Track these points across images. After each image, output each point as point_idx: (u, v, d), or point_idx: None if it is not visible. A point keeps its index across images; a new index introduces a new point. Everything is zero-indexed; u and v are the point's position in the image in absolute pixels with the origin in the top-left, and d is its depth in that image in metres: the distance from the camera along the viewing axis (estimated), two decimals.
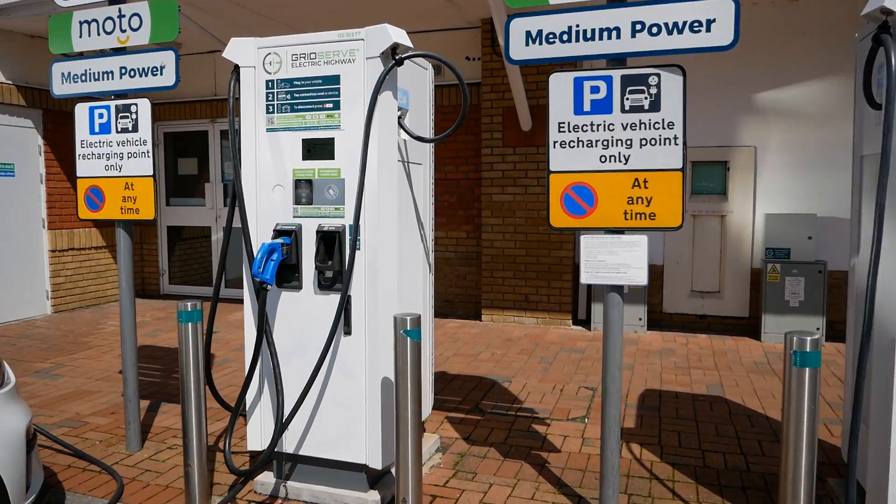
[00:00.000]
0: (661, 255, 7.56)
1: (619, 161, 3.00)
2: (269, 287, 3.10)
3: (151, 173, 3.71)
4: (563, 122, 3.02)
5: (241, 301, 9.62)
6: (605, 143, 3.00)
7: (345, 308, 3.14)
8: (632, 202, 3.00)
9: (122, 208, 3.77)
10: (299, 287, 3.28)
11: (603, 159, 3.01)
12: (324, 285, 3.24)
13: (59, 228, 8.41)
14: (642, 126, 2.96)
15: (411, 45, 3.19)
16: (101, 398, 5.15)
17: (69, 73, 3.85)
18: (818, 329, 6.92)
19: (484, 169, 7.76)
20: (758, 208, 7.31)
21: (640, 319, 7.37)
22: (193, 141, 9.67)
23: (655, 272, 7.56)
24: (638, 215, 3.01)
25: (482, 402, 5.07)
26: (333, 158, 3.19)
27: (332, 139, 3.18)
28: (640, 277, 3.06)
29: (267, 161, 3.29)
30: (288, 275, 3.27)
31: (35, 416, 4.70)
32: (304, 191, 3.24)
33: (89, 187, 3.84)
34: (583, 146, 3.02)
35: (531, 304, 7.75)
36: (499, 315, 7.88)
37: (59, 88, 3.90)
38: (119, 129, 3.75)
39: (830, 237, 6.98)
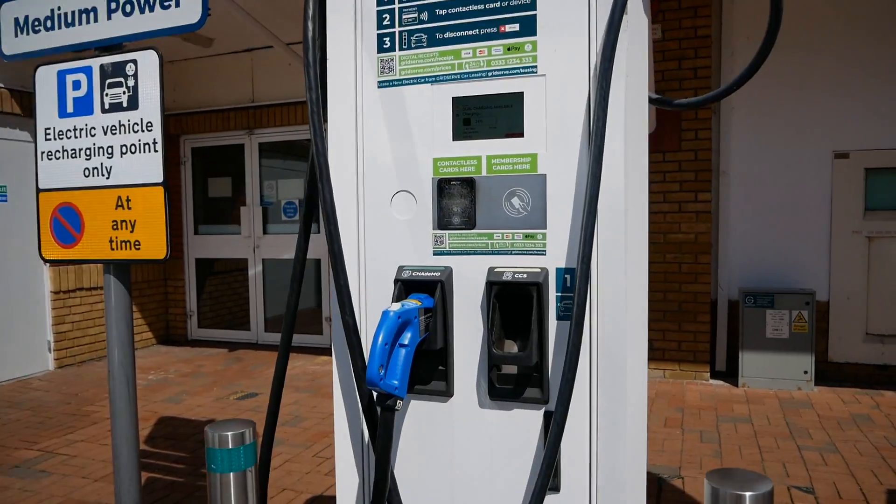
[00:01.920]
0: (826, 288, 5.81)
1: None
2: (398, 405, 1.47)
3: (161, 180, 2.13)
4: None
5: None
6: None
7: (556, 439, 1.49)
8: None
9: (112, 241, 2.18)
10: (447, 393, 1.64)
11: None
12: (500, 391, 1.60)
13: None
14: None
15: None
16: None
17: (26, 20, 2.31)
18: None
19: None
20: None
21: (806, 373, 5.61)
22: (227, 157, 8.19)
23: (820, 311, 5.80)
24: None
25: None
26: (522, 134, 1.57)
27: (520, 95, 1.57)
28: None
29: (379, 144, 1.69)
30: (424, 368, 1.65)
31: None
32: (459, 201, 1.63)
33: (59, 206, 2.26)
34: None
35: (657, 353, 6.03)
36: None
37: (11, 45, 2.35)
38: (107, 107, 2.18)
39: None
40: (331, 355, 1.81)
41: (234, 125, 7.86)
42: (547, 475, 1.45)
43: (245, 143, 8.03)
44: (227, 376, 6.55)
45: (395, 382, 1.45)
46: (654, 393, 5.61)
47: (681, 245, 5.85)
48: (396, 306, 1.48)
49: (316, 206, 1.89)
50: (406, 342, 1.49)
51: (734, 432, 4.65)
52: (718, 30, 5.91)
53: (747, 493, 1.21)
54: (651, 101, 1.88)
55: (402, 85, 1.66)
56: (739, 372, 5.75)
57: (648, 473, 3.94)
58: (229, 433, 1.57)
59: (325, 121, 1.69)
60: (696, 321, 5.90)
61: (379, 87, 1.67)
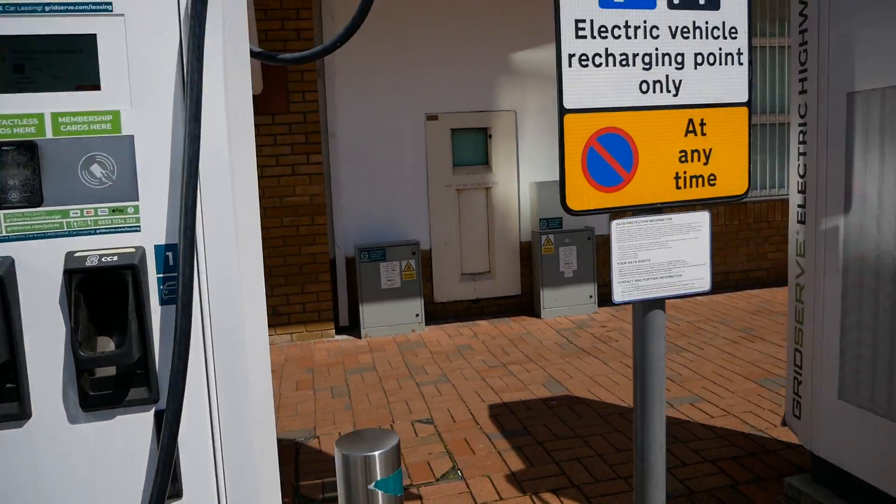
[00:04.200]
0: (428, 237, 6.51)
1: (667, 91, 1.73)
2: None
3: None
4: (584, 21, 1.63)
5: None
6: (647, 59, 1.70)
7: (170, 440, 1.30)
8: (686, 159, 1.78)
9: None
10: (23, 415, 1.31)
11: (645, 88, 1.71)
12: (97, 398, 1.34)
13: None
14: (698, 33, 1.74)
15: None
16: None
17: None
18: (591, 297, 6.66)
19: None
20: (522, 177, 6.72)
21: (417, 315, 6.26)
22: None
23: (424, 259, 6.48)
24: (694, 180, 1.80)
25: (301, 483, 3.39)
26: (97, 87, 1.29)
27: (92, 38, 1.29)
28: (704, 280, 1.87)
29: None
30: None
31: None
32: (16, 171, 1.28)
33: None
34: (616, 64, 1.67)
35: (282, 318, 6.03)
36: None
37: None
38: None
39: None
40: None
41: None
42: (163, 483, 1.26)
43: None
44: None
45: None
46: (283, 359, 5.62)
47: (297, 208, 5.90)
48: None
49: None
50: None
51: (361, 382, 4.93)
52: None
53: (377, 454, 1.21)
54: (253, 54, 1.74)
55: None
56: (361, 324, 6.12)
57: (284, 440, 3.93)
58: None
59: None
60: (317, 281, 6.06)
61: None
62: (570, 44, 1.61)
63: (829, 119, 2.66)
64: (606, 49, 1.64)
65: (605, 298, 6.91)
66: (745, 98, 1.80)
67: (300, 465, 3.59)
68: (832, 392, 2.74)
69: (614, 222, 1.73)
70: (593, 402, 4.31)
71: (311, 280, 6.06)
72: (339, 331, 6.38)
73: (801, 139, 2.86)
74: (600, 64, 1.64)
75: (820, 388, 2.80)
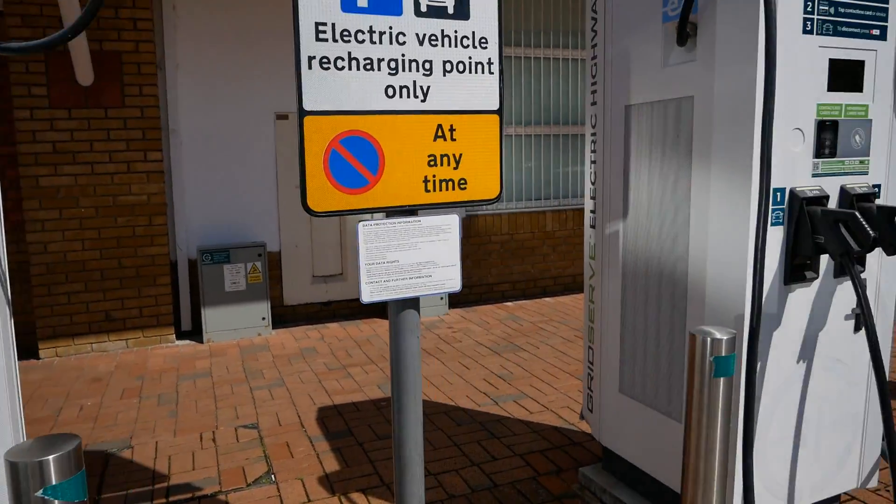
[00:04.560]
0: (277, 239, 6.39)
1: (416, 96, 1.79)
2: None
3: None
4: (325, 24, 1.66)
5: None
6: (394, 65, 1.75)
7: None
8: (435, 163, 1.84)
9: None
10: None
11: (391, 92, 1.76)
12: None
13: None
14: (446, 41, 1.81)
15: None
16: None
17: None
18: (441, 298, 6.78)
19: (22, 140, 5.29)
20: None
21: (264, 318, 6.11)
22: None
23: (273, 261, 6.36)
24: (444, 183, 1.86)
25: (104, 496, 3.21)
26: None
27: None
28: (454, 281, 1.94)
29: None
30: None
31: None
32: None
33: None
34: (360, 68, 1.71)
35: (117, 323, 5.71)
36: (68, 346, 5.60)
37: None
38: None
39: None
40: None
41: None
42: None
43: None
44: None
45: None
46: (114, 366, 5.32)
47: (133, 207, 5.60)
48: None
49: None
50: None
51: (193, 388, 4.76)
52: None
53: (50, 457, 1.16)
54: None
55: None
56: (203, 328, 5.90)
57: (94, 451, 3.71)
58: None
59: None
60: (156, 284, 5.79)
61: None
62: (309, 46, 1.63)
63: (612, 130, 2.86)
64: (349, 53, 1.67)
65: (456, 300, 7.07)
66: (495, 106, 1.89)
67: (106, 478, 3.40)
68: (615, 386, 2.94)
69: (360, 224, 1.76)
70: (423, 401, 4.39)
71: (149, 283, 5.78)
72: (181, 336, 6.12)
73: (592, 148, 3.05)
74: (343, 67, 1.67)
75: (606, 383, 3.00)
